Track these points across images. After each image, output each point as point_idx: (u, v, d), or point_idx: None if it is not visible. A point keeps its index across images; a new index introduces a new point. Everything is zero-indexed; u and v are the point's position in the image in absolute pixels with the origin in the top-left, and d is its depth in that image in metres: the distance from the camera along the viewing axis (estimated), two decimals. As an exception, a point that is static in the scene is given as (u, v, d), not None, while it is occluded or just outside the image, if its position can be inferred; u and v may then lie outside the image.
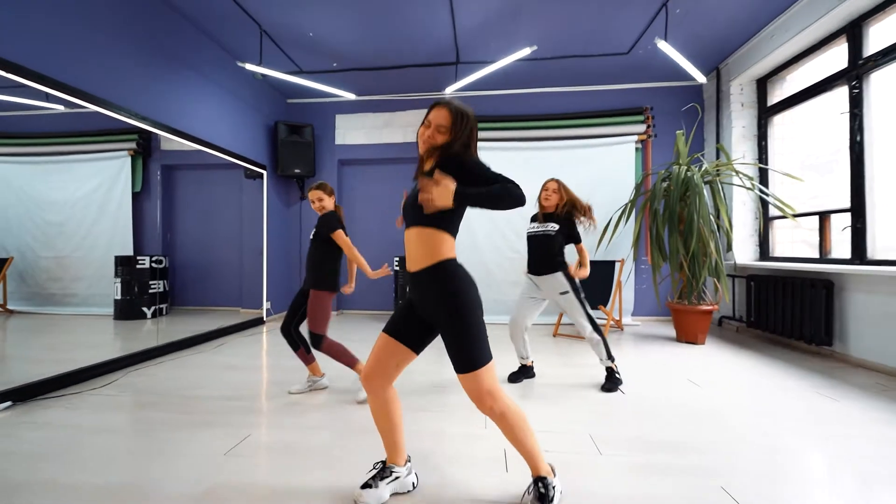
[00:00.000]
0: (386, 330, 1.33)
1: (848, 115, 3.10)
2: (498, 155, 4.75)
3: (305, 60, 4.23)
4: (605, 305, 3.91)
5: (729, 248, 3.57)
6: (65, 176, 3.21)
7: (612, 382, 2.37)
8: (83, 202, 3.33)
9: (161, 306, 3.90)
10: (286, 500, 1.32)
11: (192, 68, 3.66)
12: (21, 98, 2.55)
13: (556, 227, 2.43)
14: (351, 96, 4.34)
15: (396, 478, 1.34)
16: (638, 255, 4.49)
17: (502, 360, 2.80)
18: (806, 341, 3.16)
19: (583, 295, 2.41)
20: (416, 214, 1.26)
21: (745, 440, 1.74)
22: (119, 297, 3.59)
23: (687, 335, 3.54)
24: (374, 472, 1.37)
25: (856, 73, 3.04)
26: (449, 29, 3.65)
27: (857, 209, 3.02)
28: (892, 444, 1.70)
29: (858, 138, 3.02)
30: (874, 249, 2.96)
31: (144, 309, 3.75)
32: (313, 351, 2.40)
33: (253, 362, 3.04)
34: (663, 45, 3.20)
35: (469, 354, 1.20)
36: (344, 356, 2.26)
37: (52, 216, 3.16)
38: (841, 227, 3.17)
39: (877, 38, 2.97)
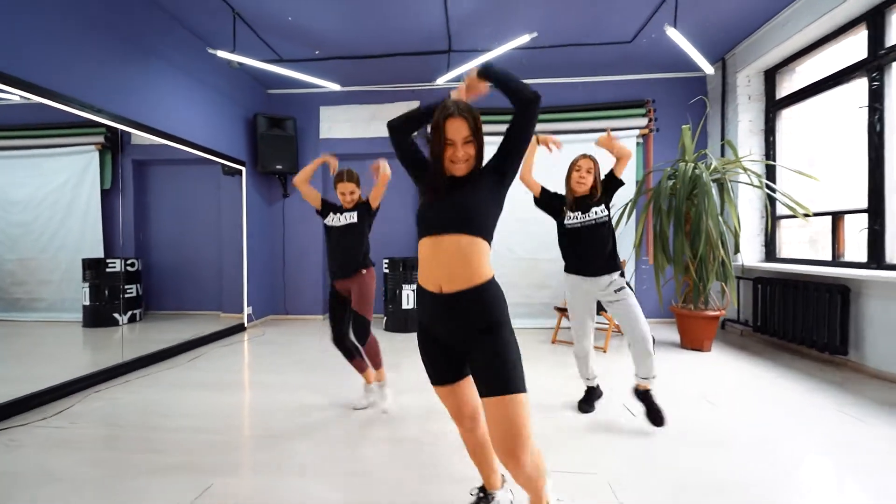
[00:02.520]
0: (437, 383, 1.16)
1: (867, 110, 2.90)
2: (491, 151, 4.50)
3: (285, 48, 3.91)
4: (606, 311, 3.72)
5: (737, 249, 3.39)
6: (28, 172, 2.95)
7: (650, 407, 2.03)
8: (49, 200, 3.08)
9: (135, 311, 3.63)
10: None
11: (161, 56, 3.33)
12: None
13: (605, 211, 2.07)
14: (335, 87, 4.04)
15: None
16: (639, 255, 4.31)
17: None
18: (818, 349, 3.00)
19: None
20: (455, 219, 1.07)
21: (779, 467, 1.56)
22: (88, 302, 3.32)
23: (692, 342, 3.37)
24: (475, 499, 1.29)
25: (877, 64, 2.84)
26: (441, 14, 3.36)
27: (875, 210, 2.85)
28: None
29: (878, 134, 2.83)
30: (893, 253, 2.79)
31: (116, 315, 3.47)
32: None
33: (231, 378, 2.79)
34: (672, 33, 2.97)
35: (513, 374, 1.01)
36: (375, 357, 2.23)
37: (15, 216, 2.90)
38: (857, 228, 3.00)
39: (900, 25, 2.77)
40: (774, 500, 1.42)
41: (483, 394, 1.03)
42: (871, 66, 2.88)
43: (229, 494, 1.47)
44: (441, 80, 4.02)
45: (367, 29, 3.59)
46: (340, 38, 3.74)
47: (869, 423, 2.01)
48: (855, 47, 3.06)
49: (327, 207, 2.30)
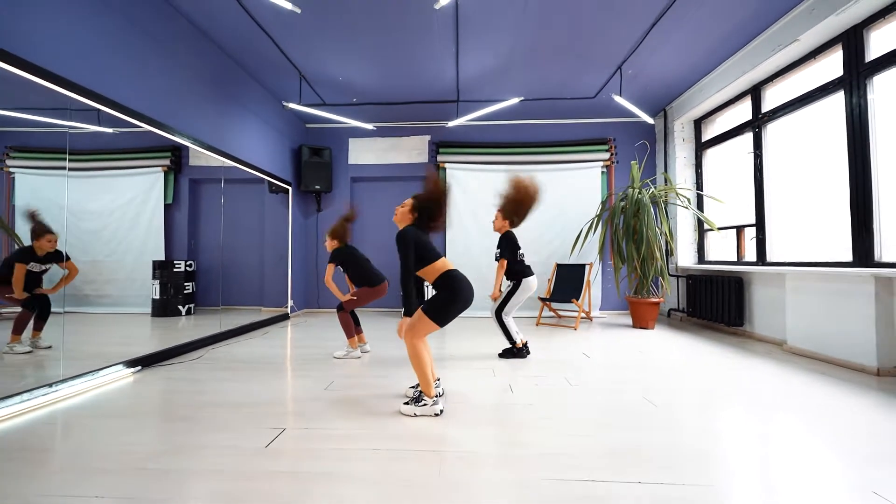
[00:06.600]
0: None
1: (753, 155, 4.16)
2: (488, 176, 5.67)
3: (329, 95, 5.04)
4: (577, 300, 4.84)
5: (671, 253, 4.57)
6: (101, 188, 3.67)
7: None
8: (119, 212, 3.86)
9: (191, 305, 4.53)
10: (378, 401, 2.13)
11: (238, 102, 4.41)
12: (74, 122, 2.89)
13: (497, 249, 3.48)
14: (368, 126, 5.17)
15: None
16: (604, 259, 5.47)
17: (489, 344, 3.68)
18: (725, 324, 4.17)
19: None
20: None
21: (665, 377, 2.66)
22: (157, 296, 4.21)
23: (640, 322, 4.51)
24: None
25: (757, 124, 4.11)
26: (453, 75, 4.55)
27: (760, 224, 4.07)
28: (748, 382, 2.66)
29: (759, 170, 4.08)
30: (771, 254, 4.00)
31: (179, 307, 4.39)
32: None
33: (300, 342, 3.80)
34: (619, 99, 4.20)
35: None
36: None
37: (88, 224, 3.75)
38: (749, 237, 4.21)
39: (772, 98, 4.04)
40: (648, 384, 2.53)
41: None
42: (755, 125, 4.14)
43: (347, 384, 2.50)
44: (451, 123, 5.19)
45: (396, 83, 4.75)
46: (374, 89, 4.89)
47: (734, 360, 3.15)
48: (744, 109, 4.34)
49: None
